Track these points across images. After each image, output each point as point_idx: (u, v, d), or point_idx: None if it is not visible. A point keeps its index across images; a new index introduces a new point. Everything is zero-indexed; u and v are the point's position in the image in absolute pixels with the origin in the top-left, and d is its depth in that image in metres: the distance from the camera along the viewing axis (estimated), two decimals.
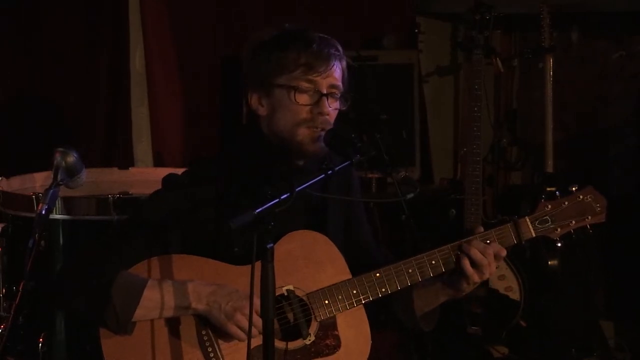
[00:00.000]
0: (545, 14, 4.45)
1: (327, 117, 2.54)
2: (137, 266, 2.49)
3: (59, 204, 3.27)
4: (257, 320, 2.33)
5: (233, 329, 2.44)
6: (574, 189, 2.65)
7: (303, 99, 2.53)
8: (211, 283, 2.47)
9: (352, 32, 5.04)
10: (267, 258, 2.22)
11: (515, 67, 5.21)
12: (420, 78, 5.17)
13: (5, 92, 4.24)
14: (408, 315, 2.65)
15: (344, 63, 2.59)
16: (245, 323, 2.40)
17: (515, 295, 4.30)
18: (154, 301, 2.44)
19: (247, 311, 2.35)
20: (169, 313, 2.46)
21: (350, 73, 2.63)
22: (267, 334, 2.25)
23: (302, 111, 2.53)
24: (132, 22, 4.45)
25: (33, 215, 3.04)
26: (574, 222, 2.63)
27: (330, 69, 2.54)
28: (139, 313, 2.43)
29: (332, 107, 2.56)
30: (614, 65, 4.91)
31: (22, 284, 2.64)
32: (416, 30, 5.25)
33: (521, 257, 4.31)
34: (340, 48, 2.58)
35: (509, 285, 4.30)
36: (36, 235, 2.64)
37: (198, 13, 4.66)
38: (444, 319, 2.74)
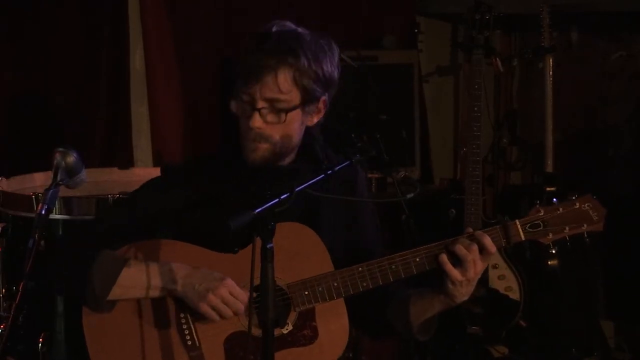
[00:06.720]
0: (545, 14, 4.44)
1: (257, 130, 2.48)
2: (123, 248, 2.52)
3: (58, 204, 3.27)
4: (241, 294, 2.42)
5: (204, 308, 2.46)
6: (574, 197, 2.58)
7: (240, 110, 2.50)
8: (190, 266, 2.49)
9: (352, 32, 5.04)
10: (267, 258, 2.22)
11: (515, 67, 5.20)
12: (420, 78, 5.17)
13: (5, 92, 4.24)
14: (404, 324, 2.62)
15: (303, 63, 2.45)
16: (216, 303, 2.44)
17: (515, 295, 4.30)
18: (132, 280, 2.47)
19: (219, 291, 2.42)
20: (146, 293, 2.49)
21: (328, 71, 2.50)
22: (268, 334, 2.24)
23: (241, 123, 2.52)
24: (132, 21, 4.45)
25: (33, 215, 3.04)
26: (567, 229, 2.56)
27: (262, 80, 2.44)
28: (117, 291, 2.47)
29: (268, 121, 2.48)
30: (614, 65, 4.91)
31: (22, 284, 2.64)
32: (416, 30, 5.25)
33: (521, 257, 4.31)
34: (295, 48, 2.45)
35: (509, 285, 4.29)
36: (36, 235, 2.64)
37: (198, 13, 4.66)
38: (444, 319, 2.73)
